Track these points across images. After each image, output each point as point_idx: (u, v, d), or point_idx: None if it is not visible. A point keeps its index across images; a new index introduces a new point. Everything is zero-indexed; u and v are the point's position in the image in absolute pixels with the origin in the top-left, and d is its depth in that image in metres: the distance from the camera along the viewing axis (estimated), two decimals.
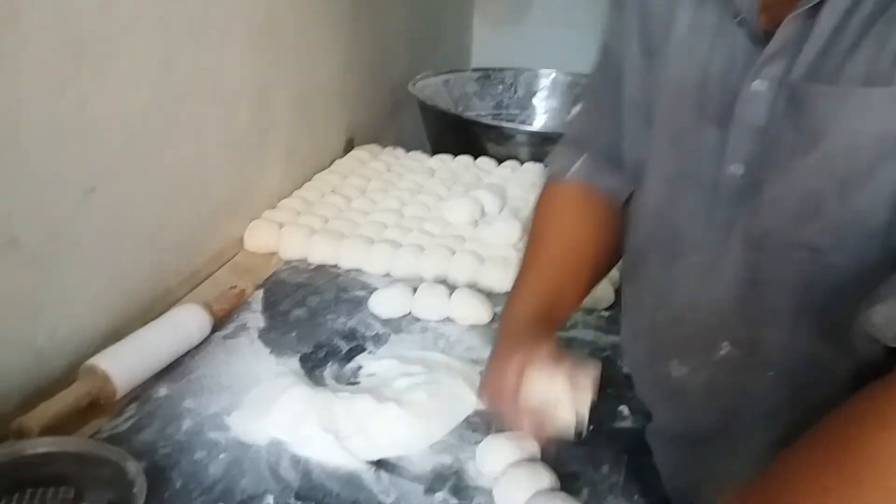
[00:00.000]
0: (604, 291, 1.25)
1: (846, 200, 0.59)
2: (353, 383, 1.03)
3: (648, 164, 0.76)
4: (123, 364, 0.95)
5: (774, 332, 0.65)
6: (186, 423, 0.92)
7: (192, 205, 1.24)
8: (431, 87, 2.06)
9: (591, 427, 0.97)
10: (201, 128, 1.23)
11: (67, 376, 0.95)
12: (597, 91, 0.87)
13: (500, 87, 2.21)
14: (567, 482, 0.86)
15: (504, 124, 1.93)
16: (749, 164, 0.65)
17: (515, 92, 2.22)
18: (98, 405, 0.92)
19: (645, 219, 0.78)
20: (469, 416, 0.97)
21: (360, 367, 1.06)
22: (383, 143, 1.86)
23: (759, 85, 0.64)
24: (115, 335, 1.03)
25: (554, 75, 2.23)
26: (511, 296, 0.90)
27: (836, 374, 0.64)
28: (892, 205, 0.57)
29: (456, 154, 1.79)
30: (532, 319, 0.84)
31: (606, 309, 1.25)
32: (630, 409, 1.01)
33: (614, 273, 1.29)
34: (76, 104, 0.95)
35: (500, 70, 2.22)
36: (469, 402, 0.99)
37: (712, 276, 0.68)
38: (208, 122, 1.25)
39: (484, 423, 0.96)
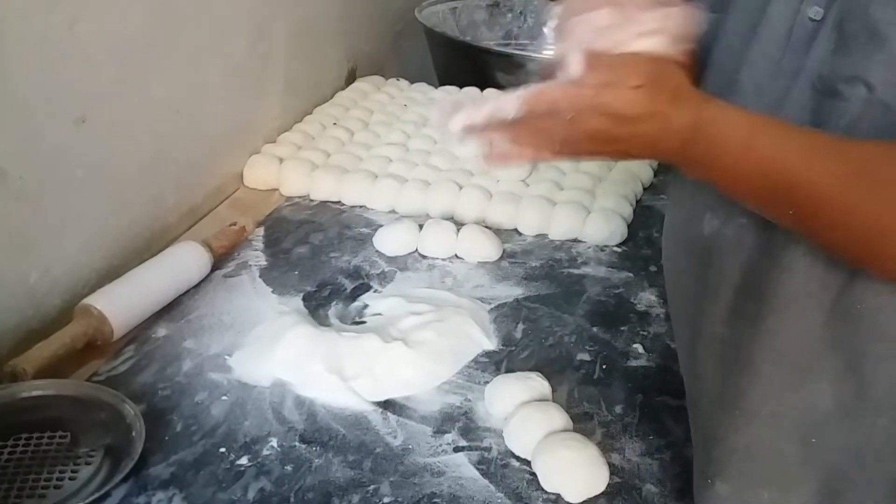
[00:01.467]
0: (616, 227, 1.21)
1: None
2: (359, 322, 1.00)
3: (726, 20, 0.73)
4: (121, 304, 0.92)
5: None
6: (187, 365, 0.89)
7: (188, 137, 1.19)
8: (438, 15, 1.97)
9: (605, 366, 0.95)
10: (197, 56, 1.18)
11: (62, 317, 0.92)
12: None
13: (510, 15, 2.12)
14: (579, 422, 0.84)
15: (515, 52, 1.86)
16: (828, 5, 0.63)
17: (525, 21, 2.12)
18: (95, 346, 0.90)
19: (712, 73, 0.75)
20: (478, 356, 0.94)
21: (365, 306, 1.03)
22: (387, 73, 1.80)
23: None
24: (111, 273, 1.00)
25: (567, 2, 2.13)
26: None
27: None
28: None
29: (463, 85, 1.73)
30: None
31: (618, 245, 1.21)
32: (644, 347, 0.98)
33: (626, 209, 1.26)
34: (64, 27, 0.90)
35: None
36: (478, 341, 0.96)
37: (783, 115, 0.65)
38: (204, 50, 1.19)
39: (493, 363, 0.93)
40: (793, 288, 0.65)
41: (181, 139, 1.17)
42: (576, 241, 1.21)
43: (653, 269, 1.14)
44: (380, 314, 1.01)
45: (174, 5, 1.10)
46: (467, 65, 1.79)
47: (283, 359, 0.88)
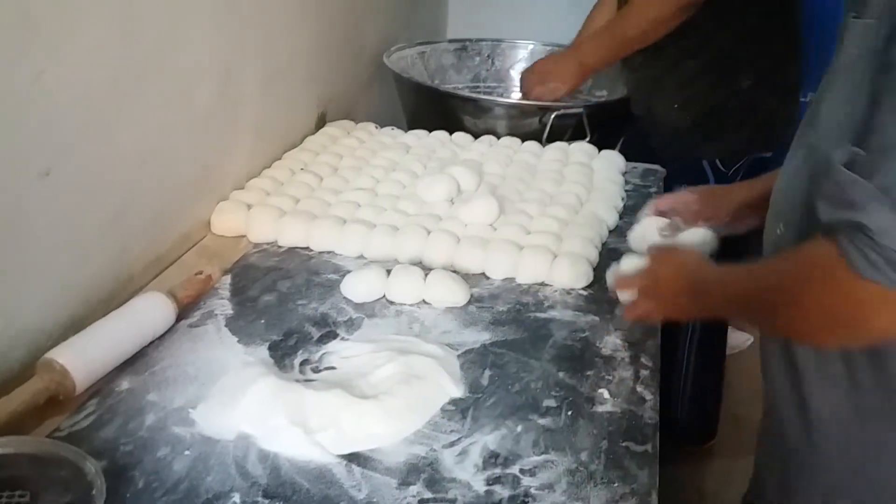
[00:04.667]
0: (582, 270, 1.22)
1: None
2: (327, 368, 0.99)
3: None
4: (83, 357, 0.91)
5: (804, 215, 0.83)
6: (150, 419, 0.88)
7: (155, 186, 1.19)
8: (406, 60, 2.01)
9: (570, 412, 0.95)
10: (164, 105, 1.18)
11: (24, 371, 0.91)
12: None
13: (478, 58, 2.16)
14: (545, 471, 0.84)
15: (481, 97, 1.89)
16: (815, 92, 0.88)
17: (493, 64, 2.17)
18: (57, 401, 0.89)
19: None
20: (444, 404, 0.94)
21: (331, 355, 1.02)
22: (357, 118, 1.81)
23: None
24: (75, 325, 0.99)
25: (532, 46, 2.18)
26: None
27: None
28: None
29: (432, 129, 1.75)
30: None
31: (584, 288, 1.22)
32: (609, 392, 0.99)
33: (592, 252, 1.28)
34: (29, 80, 0.90)
35: (477, 41, 2.17)
36: (446, 389, 0.96)
37: (788, 175, 0.91)
38: (171, 98, 1.20)
39: (459, 411, 0.93)
40: None
41: (148, 189, 1.17)
42: (543, 284, 1.23)
43: (618, 312, 1.16)
44: (347, 359, 1.01)
45: (141, 53, 1.10)
46: (435, 109, 1.82)
47: (247, 411, 0.87)
